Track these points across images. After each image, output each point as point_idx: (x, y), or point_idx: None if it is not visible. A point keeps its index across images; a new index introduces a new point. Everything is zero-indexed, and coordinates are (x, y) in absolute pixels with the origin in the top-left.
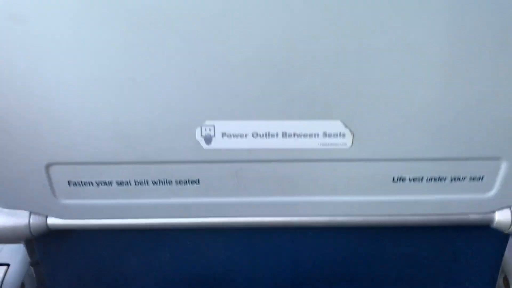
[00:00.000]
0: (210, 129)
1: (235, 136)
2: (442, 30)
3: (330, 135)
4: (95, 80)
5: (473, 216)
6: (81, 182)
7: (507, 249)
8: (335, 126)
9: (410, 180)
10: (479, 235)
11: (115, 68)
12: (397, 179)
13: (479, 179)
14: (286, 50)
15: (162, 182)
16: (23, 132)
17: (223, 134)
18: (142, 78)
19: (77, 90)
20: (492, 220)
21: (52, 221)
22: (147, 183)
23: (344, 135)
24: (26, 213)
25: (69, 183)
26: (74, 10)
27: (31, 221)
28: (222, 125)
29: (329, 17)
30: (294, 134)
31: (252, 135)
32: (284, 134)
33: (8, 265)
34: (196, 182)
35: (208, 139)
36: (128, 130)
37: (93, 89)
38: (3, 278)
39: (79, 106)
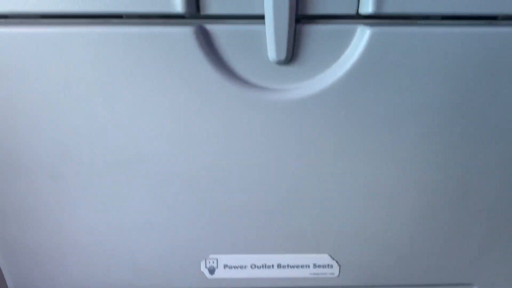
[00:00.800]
0: (213, 262)
1: (235, 267)
2: (409, 180)
3: (319, 266)
4: (117, 226)
5: None
6: None
7: None
8: (324, 259)
9: None
10: None
11: (134, 216)
12: None
13: None
14: (279, 199)
15: None
16: (54, 264)
17: (225, 266)
18: (155, 222)
19: (105, 236)
20: None
21: None
22: None
23: (332, 266)
24: None
25: None
26: (101, 173)
27: None
28: (224, 259)
29: (314, 176)
30: (288, 266)
31: (251, 267)
32: (279, 266)
33: None
34: None
35: (211, 270)
36: (143, 263)
37: (115, 233)
38: None
39: (105, 247)
